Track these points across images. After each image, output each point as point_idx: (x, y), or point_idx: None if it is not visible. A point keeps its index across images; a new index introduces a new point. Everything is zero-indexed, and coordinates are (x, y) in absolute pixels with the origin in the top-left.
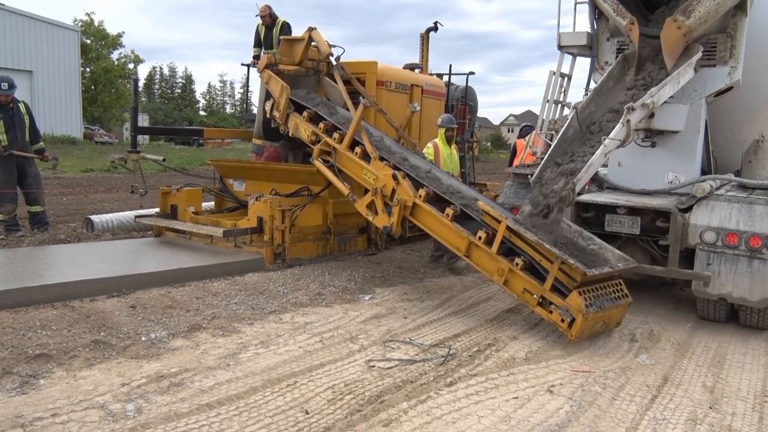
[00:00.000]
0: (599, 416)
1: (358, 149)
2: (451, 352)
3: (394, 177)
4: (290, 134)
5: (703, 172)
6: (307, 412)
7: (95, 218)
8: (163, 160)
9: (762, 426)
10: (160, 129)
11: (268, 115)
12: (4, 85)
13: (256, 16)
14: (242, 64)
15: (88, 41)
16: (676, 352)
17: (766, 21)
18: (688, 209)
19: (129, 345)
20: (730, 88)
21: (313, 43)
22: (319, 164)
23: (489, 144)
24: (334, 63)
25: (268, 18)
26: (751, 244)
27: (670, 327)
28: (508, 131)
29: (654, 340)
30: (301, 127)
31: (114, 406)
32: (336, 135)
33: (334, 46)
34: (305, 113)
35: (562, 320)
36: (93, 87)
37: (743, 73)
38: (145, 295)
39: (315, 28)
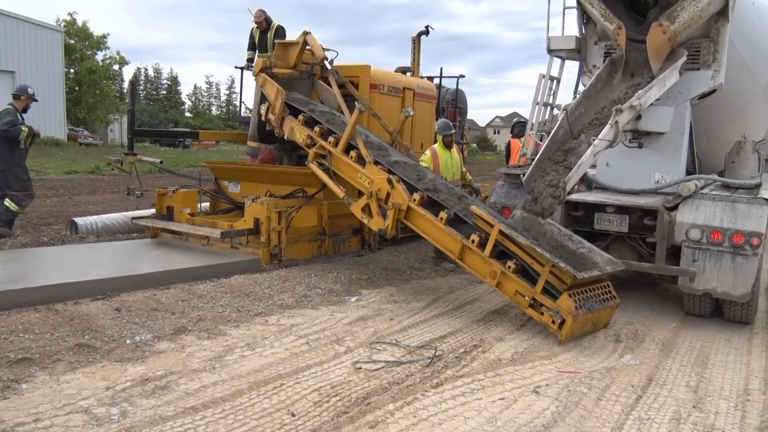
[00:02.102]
0: (585, 416)
1: (353, 153)
2: (437, 354)
3: (389, 181)
4: (285, 137)
5: (688, 173)
6: (293, 415)
7: (79, 220)
8: (161, 162)
9: (744, 424)
10: (157, 131)
11: (263, 118)
12: (31, 90)
13: (253, 22)
14: (236, 67)
15: (72, 42)
16: (660, 352)
17: (747, 27)
18: (675, 208)
19: (113, 348)
20: (713, 91)
21: (307, 47)
22: (314, 167)
23: (475, 146)
24: (329, 67)
25: (264, 22)
26: (734, 241)
27: (655, 327)
28: (494, 133)
29: (639, 341)
30: (296, 131)
31: (98, 410)
32: (331, 138)
33: (328, 49)
34: (300, 117)
35: (553, 321)
36: (77, 88)
37: (726, 76)
38: (129, 298)
39: (309, 32)
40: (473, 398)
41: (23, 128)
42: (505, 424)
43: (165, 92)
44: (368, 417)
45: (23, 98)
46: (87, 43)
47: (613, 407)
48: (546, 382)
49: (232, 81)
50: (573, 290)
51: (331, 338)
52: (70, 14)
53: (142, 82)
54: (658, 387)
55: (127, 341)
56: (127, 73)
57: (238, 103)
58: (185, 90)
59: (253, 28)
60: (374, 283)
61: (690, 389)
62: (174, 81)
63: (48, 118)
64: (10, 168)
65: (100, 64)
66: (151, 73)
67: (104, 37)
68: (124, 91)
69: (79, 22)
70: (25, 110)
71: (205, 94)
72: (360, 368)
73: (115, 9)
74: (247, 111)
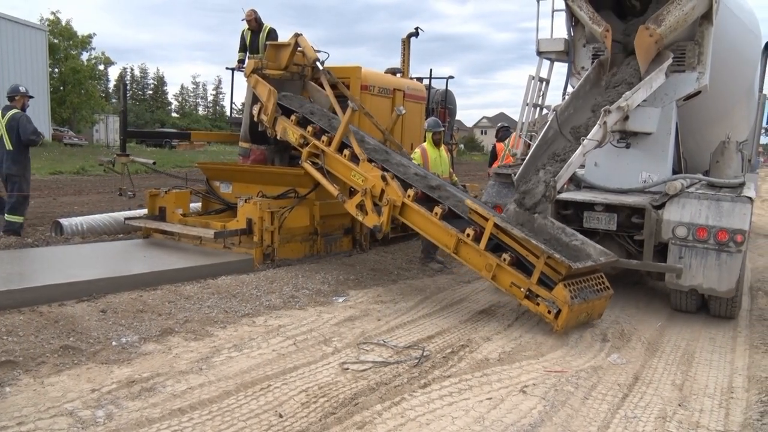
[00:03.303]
0: (572, 416)
1: (346, 151)
2: (424, 354)
3: (383, 178)
4: (278, 137)
5: (674, 172)
6: (280, 416)
7: (64, 221)
8: (153, 163)
9: (728, 421)
10: (150, 132)
11: (255, 119)
12: (23, 88)
13: (243, 20)
14: (227, 68)
15: (56, 41)
16: (646, 351)
17: (730, 31)
18: (661, 206)
19: (99, 350)
20: (698, 93)
21: (299, 49)
22: (308, 166)
23: (462, 146)
24: (321, 68)
25: (254, 23)
26: (719, 238)
27: (641, 326)
28: (482, 133)
29: (625, 340)
30: (289, 131)
31: (83, 412)
32: (324, 138)
33: (319, 51)
34: (293, 117)
35: (549, 311)
36: (62, 88)
37: (711, 79)
38: (115, 299)
39: (301, 34)
40: (461, 398)
41: (41, 136)
42: (492, 424)
43: (151, 92)
44: (356, 417)
45: (18, 98)
46: (71, 42)
47: (600, 406)
48: (533, 382)
49: (219, 81)
50: (568, 281)
51: (318, 339)
52: (53, 13)
53: (128, 82)
54: (644, 385)
55: (113, 343)
56: (113, 73)
57: (224, 104)
58: (172, 90)
59: (244, 29)
60: (361, 283)
61: (675, 387)
62: (160, 81)
63: (32, 118)
64: (23, 173)
65: (85, 63)
66: (137, 73)
67: (90, 37)
68: (110, 91)
69: (63, 22)
70: (23, 109)
71: (192, 94)
72: (347, 369)
73: (99, 8)
74: (235, 111)
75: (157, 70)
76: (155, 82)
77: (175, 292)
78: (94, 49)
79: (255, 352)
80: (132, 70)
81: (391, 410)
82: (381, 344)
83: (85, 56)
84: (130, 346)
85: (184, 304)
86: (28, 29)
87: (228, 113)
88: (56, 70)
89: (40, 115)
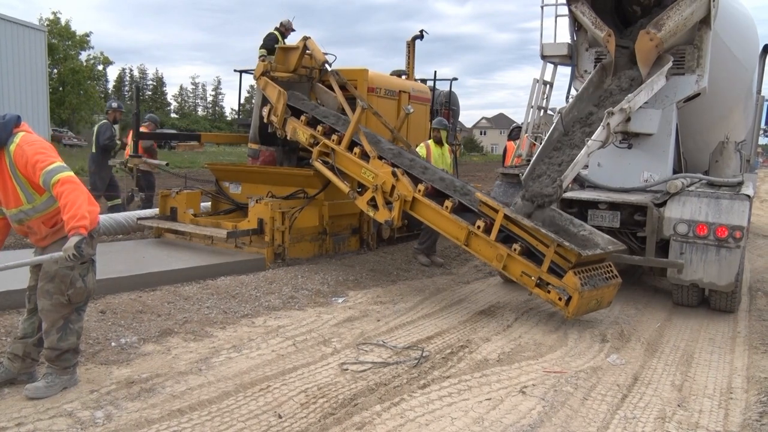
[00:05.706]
0: (571, 416)
1: (356, 149)
2: (424, 355)
3: (394, 174)
4: (288, 138)
5: (675, 172)
6: (280, 416)
7: None
8: (166, 164)
9: (727, 422)
10: (161, 134)
11: (265, 120)
12: (115, 104)
13: (292, 30)
14: (235, 70)
15: (55, 41)
16: (645, 352)
17: (728, 35)
18: (663, 204)
19: (98, 351)
20: (697, 95)
21: (307, 51)
22: (319, 165)
23: (462, 146)
24: (329, 69)
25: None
26: (718, 234)
27: (640, 327)
28: (481, 134)
29: (624, 341)
30: (299, 131)
31: (82, 413)
32: (334, 137)
33: (327, 53)
34: (302, 117)
35: (560, 298)
36: (60, 88)
37: (709, 82)
38: (114, 300)
39: (309, 37)
40: (460, 399)
41: (117, 141)
42: (491, 425)
43: (150, 93)
44: (355, 418)
45: (110, 112)
46: (70, 42)
47: (599, 407)
48: (532, 382)
49: (219, 82)
50: (577, 268)
51: (317, 340)
52: (53, 13)
53: (127, 83)
54: (643, 386)
55: (112, 344)
56: (112, 73)
57: (224, 104)
58: (171, 91)
59: (277, 35)
60: (361, 284)
61: (675, 388)
62: (159, 82)
63: (31, 119)
64: (99, 171)
65: (84, 64)
66: (136, 73)
67: (87, 35)
68: (109, 91)
69: (63, 22)
70: (115, 122)
71: (191, 95)
72: (347, 369)
73: (96, 8)
74: (233, 112)
75: (156, 70)
76: (154, 83)
77: (174, 293)
78: (92, 48)
79: (254, 353)
80: (131, 70)
81: (390, 411)
82: (380, 345)
83: (83, 56)
84: (129, 346)
85: (183, 304)
86: (27, 29)
87: (228, 114)
88: (55, 70)
89: (39, 116)
